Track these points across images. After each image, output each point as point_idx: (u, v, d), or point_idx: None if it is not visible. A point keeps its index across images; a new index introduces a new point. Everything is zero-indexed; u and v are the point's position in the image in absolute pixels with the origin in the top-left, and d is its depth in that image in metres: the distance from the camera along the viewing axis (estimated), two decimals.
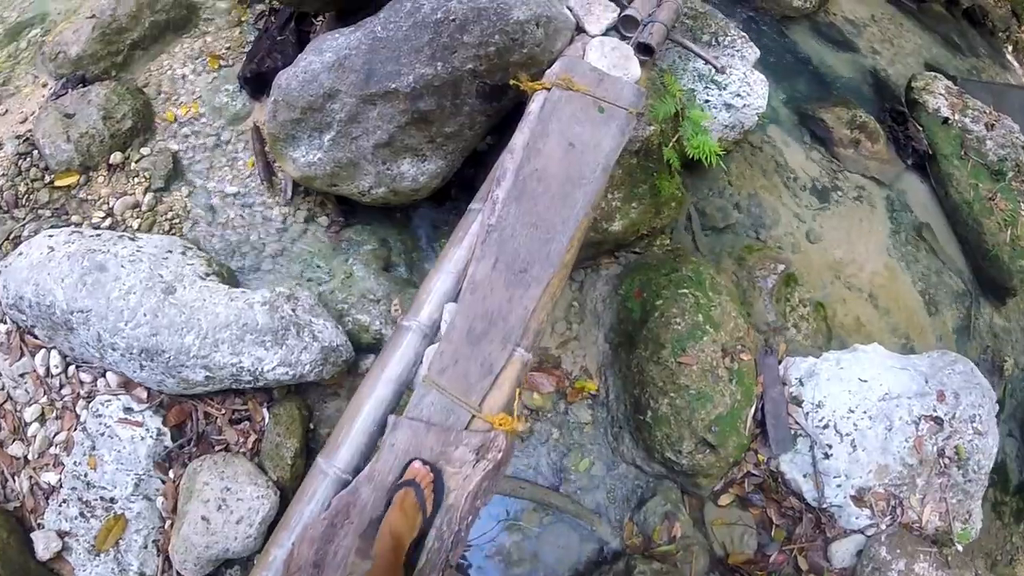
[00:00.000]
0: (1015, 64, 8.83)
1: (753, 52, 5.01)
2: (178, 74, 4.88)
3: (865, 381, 4.18)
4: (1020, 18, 9.08)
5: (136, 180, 4.35)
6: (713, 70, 4.11)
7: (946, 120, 6.54)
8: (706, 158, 3.64)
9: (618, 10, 3.75)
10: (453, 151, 3.73)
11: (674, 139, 3.79)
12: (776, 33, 6.84)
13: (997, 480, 5.04)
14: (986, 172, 6.27)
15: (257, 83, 4.51)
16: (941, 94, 6.57)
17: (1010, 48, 8.95)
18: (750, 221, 5.31)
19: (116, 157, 4.36)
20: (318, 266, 4.23)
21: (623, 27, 3.80)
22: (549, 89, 3.22)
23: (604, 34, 3.70)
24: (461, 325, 2.70)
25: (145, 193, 4.31)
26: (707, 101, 4.53)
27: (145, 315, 3.22)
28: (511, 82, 3.31)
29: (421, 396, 2.54)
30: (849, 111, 6.12)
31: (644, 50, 3.63)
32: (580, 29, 3.70)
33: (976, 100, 6.67)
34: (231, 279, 3.91)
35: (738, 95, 4.54)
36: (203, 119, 4.64)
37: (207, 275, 3.67)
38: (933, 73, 6.87)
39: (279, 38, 4.48)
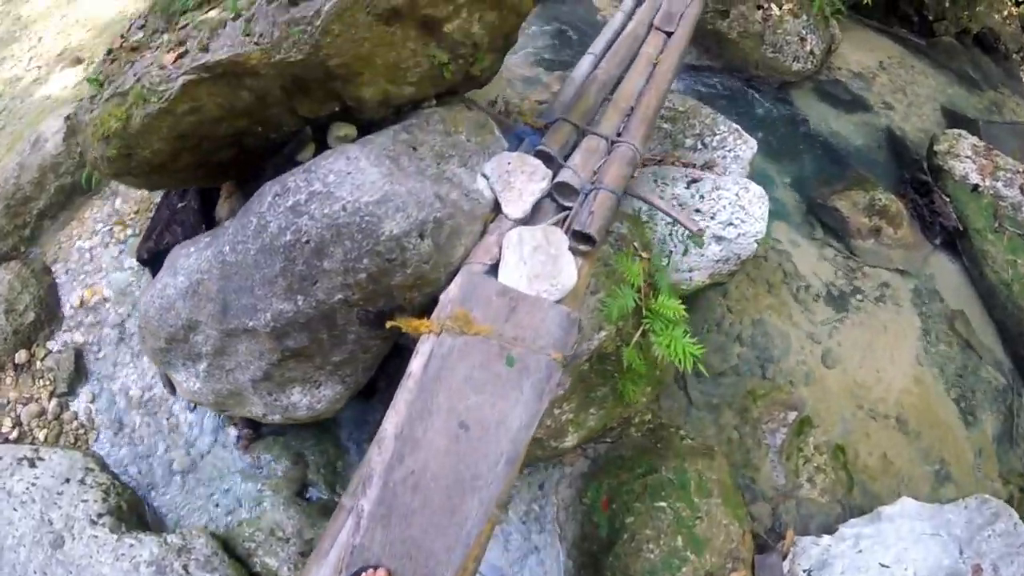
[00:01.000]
0: None
1: (749, 147, 3.76)
2: (84, 247, 3.87)
3: (887, 567, 3.23)
4: None
5: (42, 382, 3.63)
6: (690, 229, 2.81)
7: (976, 187, 5.08)
8: (681, 361, 2.36)
9: (549, 175, 2.47)
10: (352, 373, 2.54)
11: (637, 334, 2.51)
12: (775, 103, 5.43)
13: None
14: None
15: (157, 262, 3.40)
16: (968, 156, 5.11)
17: None
18: (755, 355, 3.99)
19: (21, 356, 3.65)
20: (227, 490, 3.08)
21: (559, 195, 2.51)
22: (438, 334, 1.98)
23: (530, 214, 2.42)
24: None
25: (51, 398, 3.58)
26: (691, 237, 3.18)
27: (34, 573, 2.73)
28: (388, 325, 2.09)
29: None
30: (866, 193, 4.72)
31: (584, 239, 2.34)
32: (499, 208, 2.45)
33: (1007, 159, 5.43)
34: (132, 507, 3.24)
35: (730, 223, 3.27)
36: (108, 305, 3.74)
37: (100, 516, 3.02)
38: (956, 131, 5.38)
39: (180, 205, 3.40)
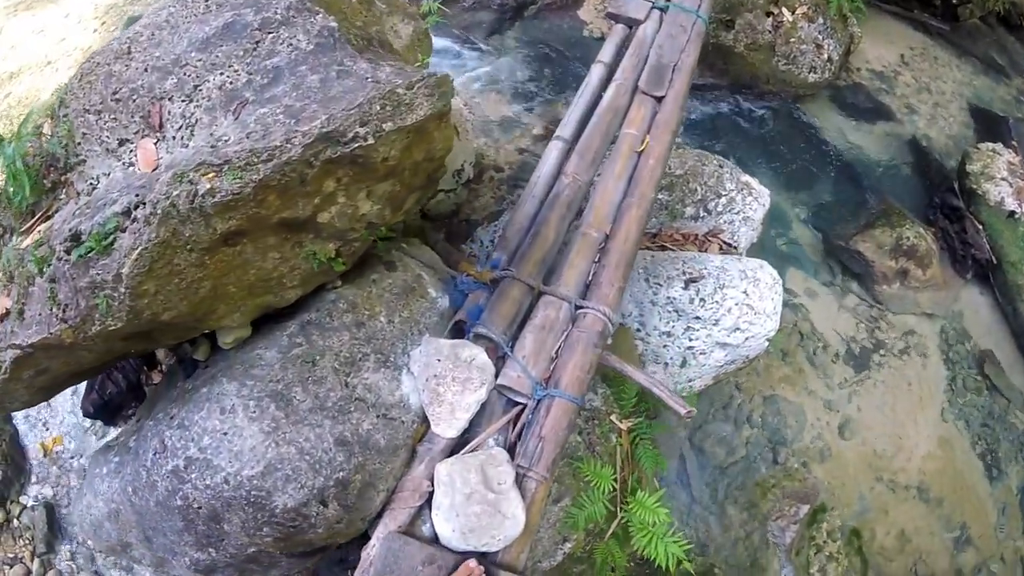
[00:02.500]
0: None
1: (761, 204, 3.30)
2: None
3: None
4: None
5: (22, 541, 3.28)
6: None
7: (1012, 214, 4.37)
8: (663, 563, 1.85)
9: (489, 378, 1.88)
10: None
11: (614, 525, 1.98)
12: (788, 121, 4.70)
13: None
14: None
15: (106, 413, 2.97)
16: (1003, 178, 4.42)
17: None
18: (766, 437, 3.47)
19: None
20: None
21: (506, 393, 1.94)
22: None
23: (465, 429, 1.85)
24: None
25: (32, 558, 3.24)
26: (690, 348, 2.62)
27: None
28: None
29: None
30: (892, 231, 4.08)
31: None
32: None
33: None
34: None
35: (736, 328, 2.67)
36: (69, 454, 3.39)
37: None
38: (990, 148, 4.67)
39: None
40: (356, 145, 1.71)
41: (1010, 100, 5.95)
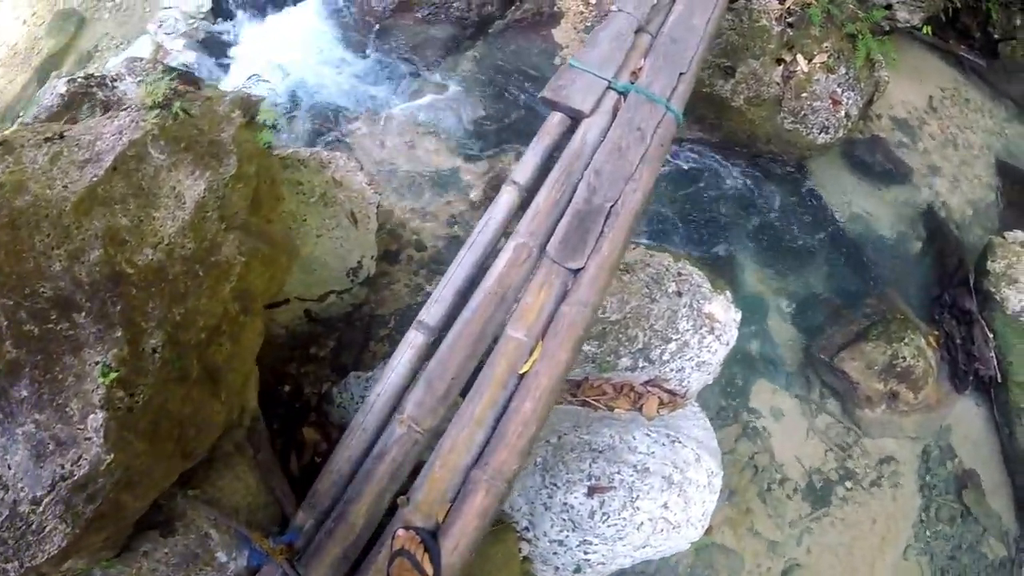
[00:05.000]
0: None
1: (724, 343, 2.81)
2: None
3: None
4: None
5: None
6: None
7: None
8: None
9: None
10: None
11: None
12: (786, 186, 3.76)
13: None
14: None
15: None
16: None
17: None
18: None
19: None
20: None
21: None
22: None
23: None
24: None
25: None
26: (586, 559, 1.93)
27: None
28: None
29: None
30: (888, 348, 3.29)
31: None
32: None
33: None
34: None
35: (646, 546, 2.04)
36: None
37: None
38: (1020, 238, 3.62)
39: None
40: None
41: None
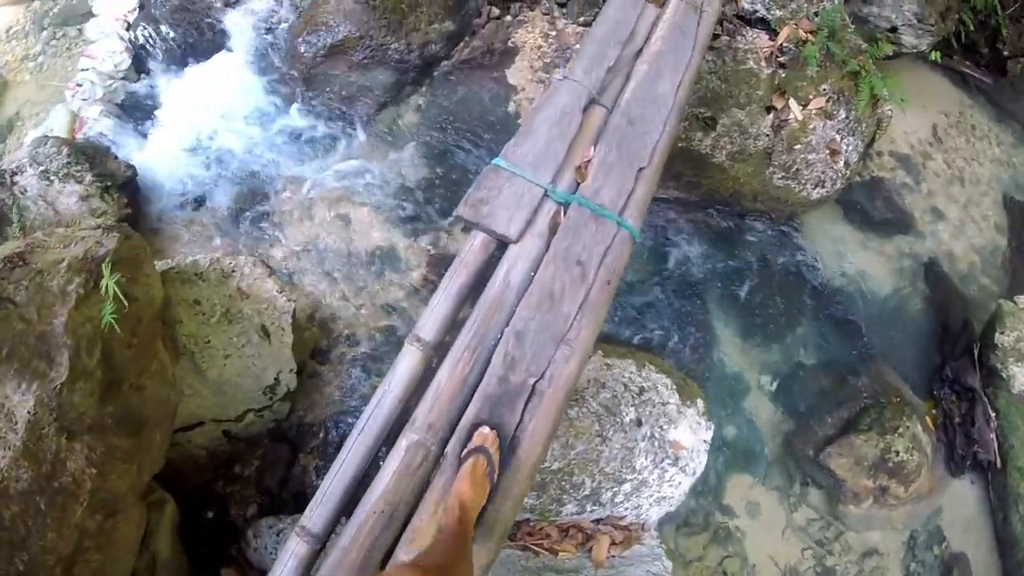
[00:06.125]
0: None
1: (690, 474, 2.34)
2: None
3: None
4: None
5: None
6: None
7: None
8: None
9: None
10: None
11: None
12: (773, 245, 3.30)
13: None
14: None
15: None
16: None
17: None
18: None
19: None
20: None
21: None
22: None
23: None
24: None
25: None
26: None
27: None
28: None
29: None
30: (880, 440, 2.90)
31: None
32: None
33: None
34: None
35: None
36: None
37: None
38: None
39: None
40: None
41: None
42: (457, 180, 3.01)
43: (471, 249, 1.69)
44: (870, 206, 3.65)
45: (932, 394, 3.33)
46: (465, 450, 1.49)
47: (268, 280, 2.39)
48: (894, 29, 3.64)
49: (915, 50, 3.69)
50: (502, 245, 1.68)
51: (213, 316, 2.29)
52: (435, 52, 3.14)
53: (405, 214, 2.93)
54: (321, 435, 2.60)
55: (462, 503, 1.35)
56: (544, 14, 3.37)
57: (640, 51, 2.14)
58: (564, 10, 3.42)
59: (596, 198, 1.68)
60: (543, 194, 1.70)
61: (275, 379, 2.33)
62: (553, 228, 1.68)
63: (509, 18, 3.34)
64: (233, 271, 2.38)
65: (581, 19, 3.32)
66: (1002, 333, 3.24)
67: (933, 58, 3.72)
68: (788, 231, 3.41)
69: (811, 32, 2.87)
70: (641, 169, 1.79)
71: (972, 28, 3.86)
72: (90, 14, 3.53)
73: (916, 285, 3.63)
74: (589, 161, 1.80)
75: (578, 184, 1.76)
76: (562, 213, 1.69)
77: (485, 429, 1.52)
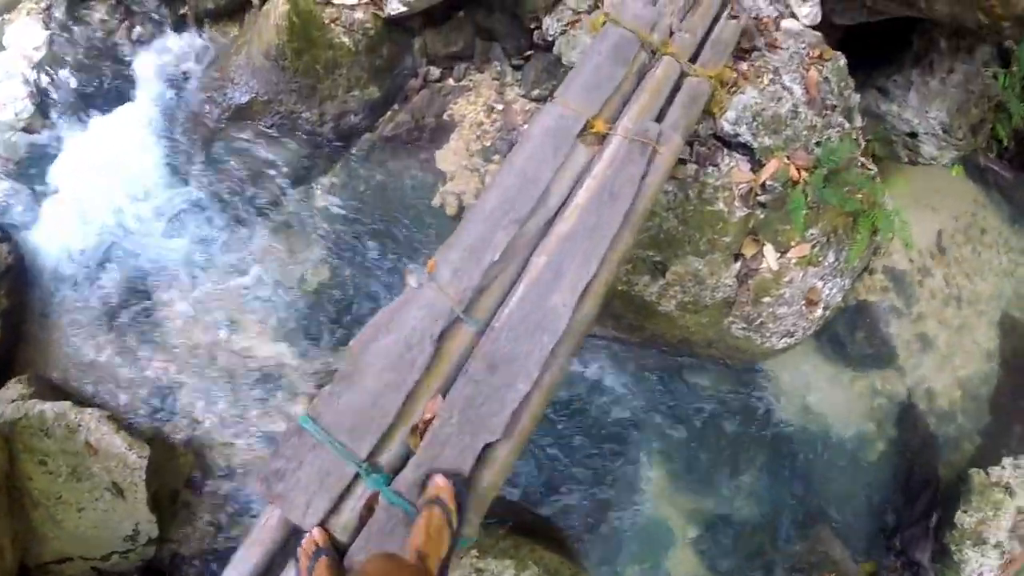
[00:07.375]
0: None
1: None
2: None
3: None
4: None
5: None
6: None
7: None
8: None
9: None
10: None
11: None
12: (725, 383, 2.79)
13: None
14: None
15: None
16: (997, 544, 2.70)
17: None
18: None
19: None
20: None
21: None
22: None
23: None
24: None
25: None
26: None
27: None
28: None
29: None
30: None
31: None
32: None
33: None
34: None
35: None
36: None
37: None
38: (1006, 475, 2.78)
39: None
40: None
41: None
42: (362, 287, 2.52)
43: (265, 526, 1.28)
44: (848, 339, 3.15)
45: (876, 562, 2.98)
46: (421, 502, 1.40)
47: (116, 436, 2.27)
48: (914, 135, 3.03)
49: (933, 162, 3.09)
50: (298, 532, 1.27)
51: (60, 476, 2.23)
52: (354, 124, 2.57)
53: (299, 327, 2.47)
54: (197, 565, 2.35)
55: (422, 555, 1.31)
56: (494, 79, 2.75)
57: (553, 220, 1.62)
58: (519, 75, 2.80)
59: (413, 490, 1.24)
60: (354, 475, 1.26)
61: (134, 529, 2.26)
62: (364, 518, 1.25)
63: (451, 82, 2.72)
64: (80, 425, 2.26)
65: (535, 92, 2.71)
66: (965, 512, 2.83)
67: (954, 173, 3.13)
68: (744, 370, 2.94)
69: (806, 169, 2.30)
70: (489, 445, 1.34)
71: (1006, 144, 3.22)
72: None
73: (884, 428, 3.19)
74: (432, 419, 1.34)
75: (409, 453, 1.32)
76: (377, 501, 1.26)
77: (440, 479, 1.39)
